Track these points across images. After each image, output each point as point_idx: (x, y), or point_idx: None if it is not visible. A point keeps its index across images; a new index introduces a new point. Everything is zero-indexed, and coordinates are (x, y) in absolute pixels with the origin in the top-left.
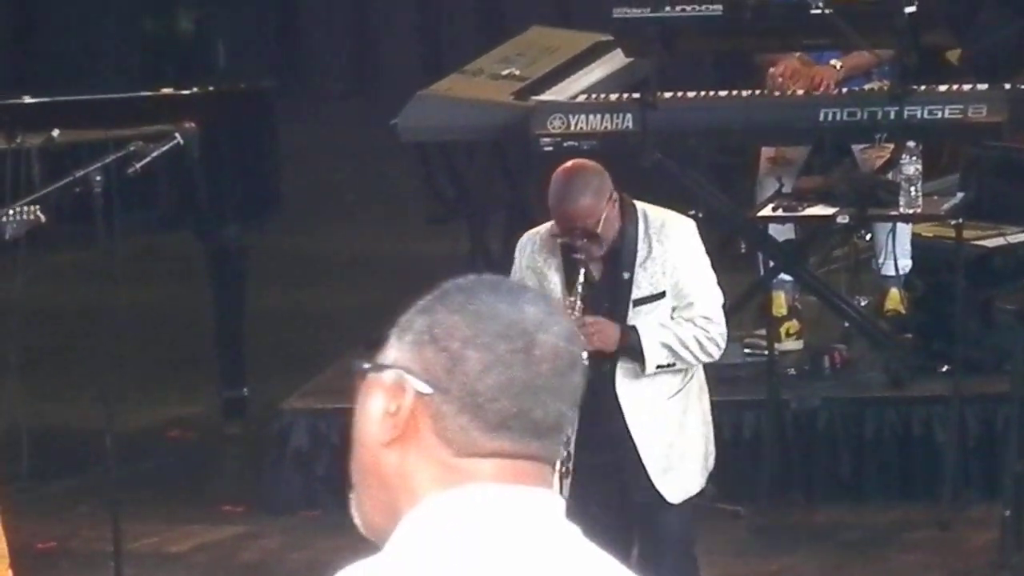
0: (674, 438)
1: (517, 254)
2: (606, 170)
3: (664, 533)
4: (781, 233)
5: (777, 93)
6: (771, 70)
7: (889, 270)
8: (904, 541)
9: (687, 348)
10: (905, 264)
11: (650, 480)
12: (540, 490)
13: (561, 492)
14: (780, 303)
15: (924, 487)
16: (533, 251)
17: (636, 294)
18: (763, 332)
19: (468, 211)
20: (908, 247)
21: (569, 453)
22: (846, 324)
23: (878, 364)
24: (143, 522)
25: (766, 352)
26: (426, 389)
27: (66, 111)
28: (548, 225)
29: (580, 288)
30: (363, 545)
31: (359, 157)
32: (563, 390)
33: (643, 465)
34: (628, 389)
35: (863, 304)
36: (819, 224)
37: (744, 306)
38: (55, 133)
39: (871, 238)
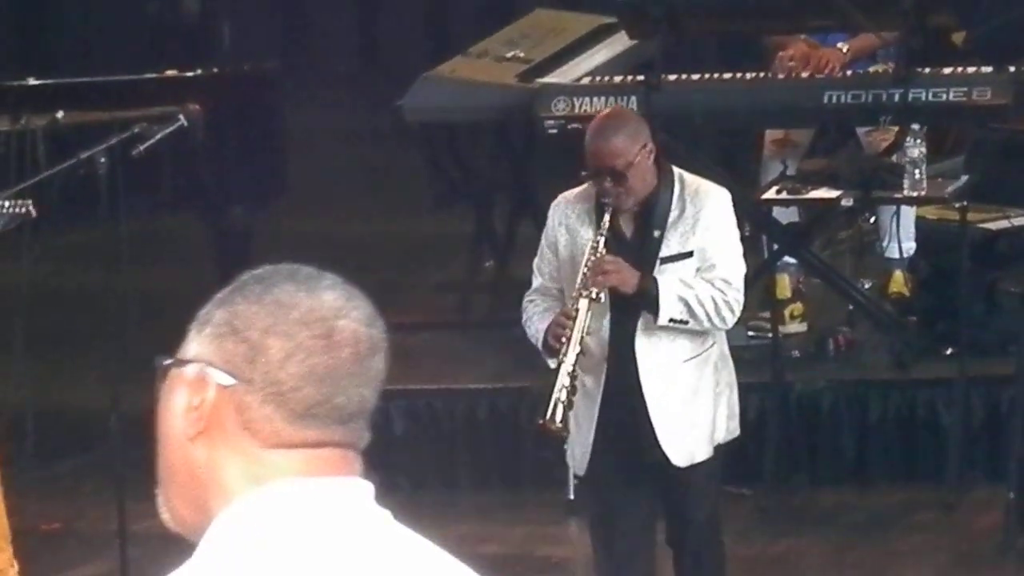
0: (684, 402)
1: (551, 212)
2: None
3: (684, 498)
4: (785, 216)
5: (781, 76)
6: (780, 53)
7: (893, 253)
8: (909, 523)
9: (703, 306)
10: (909, 247)
11: (657, 440)
12: (349, 479)
13: (561, 421)
14: (784, 286)
15: (929, 469)
16: (567, 208)
17: (664, 252)
18: (767, 315)
19: (473, 193)
20: (912, 230)
21: (574, 386)
22: (850, 307)
23: (882, 347)
24: (148, 502)
25: (770, 335)
26: (228, 381)
27: (70, 92)
28: (582, 186)
29: (604, 230)
30: None
31: (364, 139)
32: (365, 375)
33: (651, 424)
34: (645, 347)
35: (867, 287)
36: (823, 207)
37: (748, 289)
38: (59, 115)
39: (875, 221)
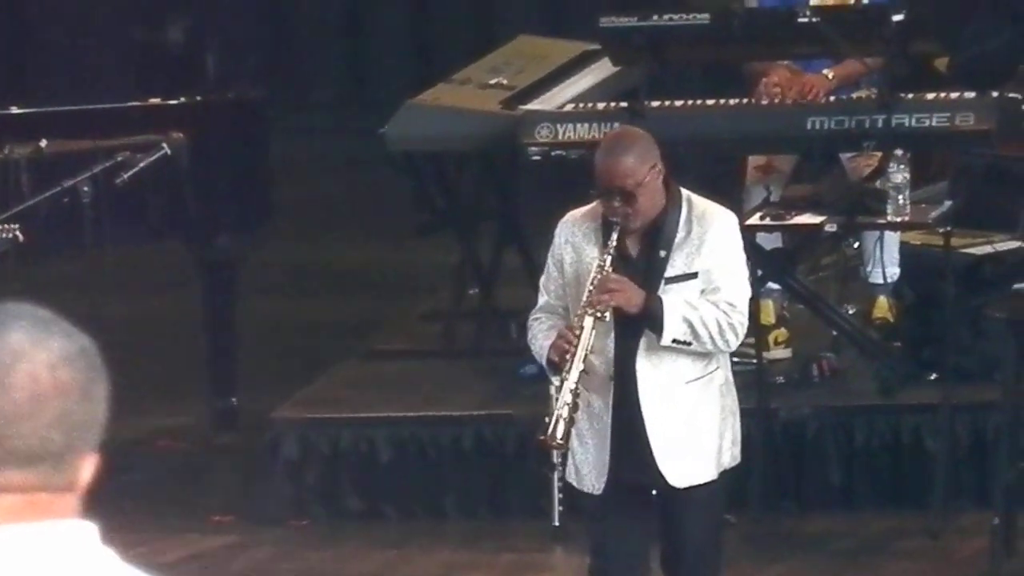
0: (685, 423)
1: (558, 230)
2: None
3: (682, 520)
4: (769, 242)
5: (765, 102)
6: (764, 79)
7: (877, 278)
8: (895, 549)
9: (706, 327)
10: (893, 272)
11: (654, 460)
12: (63, 522)
13: (562, 438)
14: (768, 311)
15: (914, 496)
16: (573, 226)
17: (669, 272)
18: (752, 340)
19: (457, 221)
20: (896, 255)
21: (576, 403)
22: (835, 333)
23: (867, 373)
24: (133, 532)
25: (755, 361)
26: None
27: (54, 121)
28: (589, 205)
29: (611, 249)
30: (352, 556)
31: (348, 166)
32: (46, 417)
33: (650, 444)
34: (647, 367)
35: (852, 312)
36: (807, 232)
37: None
38: (43, 143)
39: (859, 246)
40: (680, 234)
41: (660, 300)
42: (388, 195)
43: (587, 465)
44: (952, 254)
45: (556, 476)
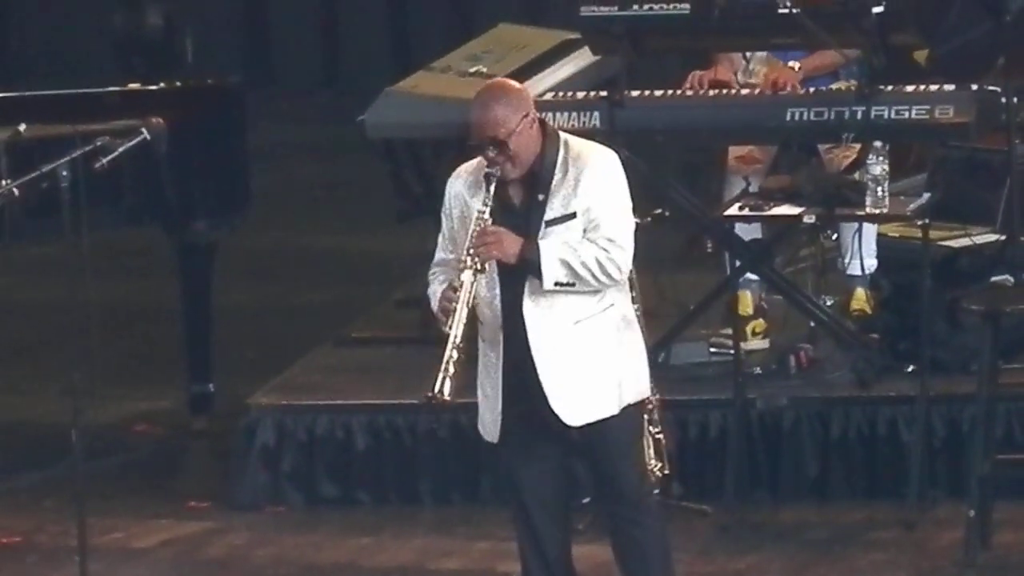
0: (575, 364)
1: (448, 186)
2: None
3: (596, 457)
4: (748, 232)
5: (690, 92)
6: (697, 72)
7: (855, 270)
8: (870, 540)
9: (587, 267)
10: (871, 264)
11: (547, 401)
12: None
13: (449, 394)
14: (746, 302)
15: (890, 487)
16: (460, 180)
17: (549, 215)
18: (729, 331)
19: (435, 208)
20: (874, 247)
21: (458, 357)
22: (812, 324)
23: (844, 364)
24: (109, 517)
25: (732, 351)
26: None
27: (33, 106)
28: (479, 159)
29: (488, 200)
30: (327, 542)
31: (326, 153)
32: None
33: (541, 387)
34: (533, 310)
35: (829, 304)
36: (786, 224)
37: (710, 305)
38: (22, 128)
39: (837, 238)
40: (557, 176)
41: (537, 246)
42: (365, 181)
43: (488, 414)
44: (930, 246)
45: None
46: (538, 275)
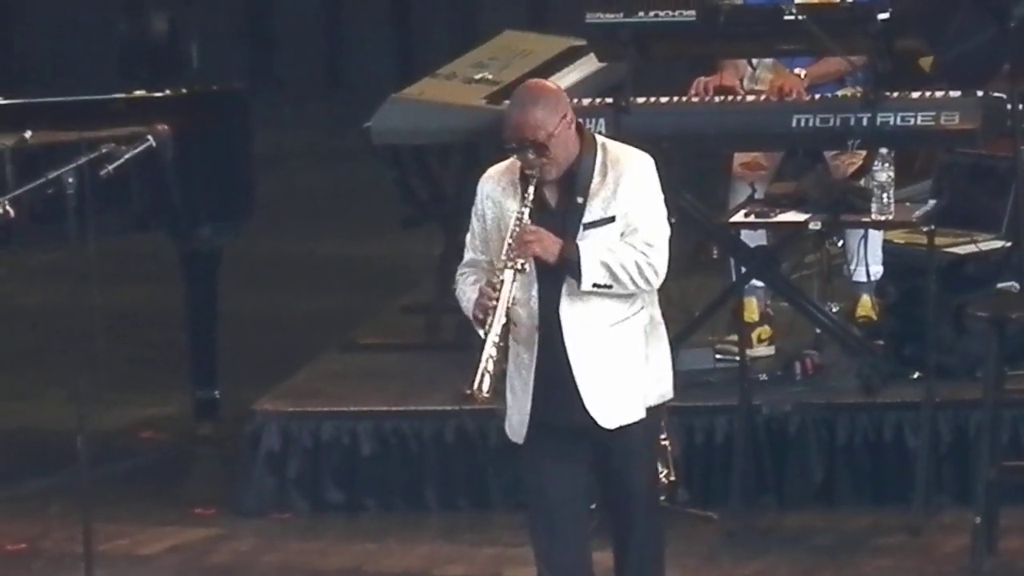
0: (610, 365)
1: (479, 187)
2: None
3: (615, 468)
4: (753, 239)
5: (696, 98)
6: (703, 79)
7: (861, 276)
8: (876, 546)
9: (625, 270)
10: (877, 270)
11: (583, 403)
12: None
13: (489, 391)
14: (752, 309)
15: (896, 493)
16: (493, 182)
17: (587, 218)
18: (735, 338)
19: (441, 214)
20: (879, 253)
21: (502, 356)
22: (818, 330)
23: (850, 370)
24: (114, 523)
25: (738, 358)
26: None
27: (39, 112)
28: (507, 160)
29: (528, 201)
30: (333, 548)
31: (332, 160)
32: None
33: (577, 388)
34: (570, 313)
35: (835, 310)
36: (791, 230)
37: (716, 312)
38: (28, 134)
39: (843, 244)
40: (596, 179)
41: (577, 246)
42: (371, 188)
43: (516, 415)
44: (935, 253)
45: None
46: (577, 275)
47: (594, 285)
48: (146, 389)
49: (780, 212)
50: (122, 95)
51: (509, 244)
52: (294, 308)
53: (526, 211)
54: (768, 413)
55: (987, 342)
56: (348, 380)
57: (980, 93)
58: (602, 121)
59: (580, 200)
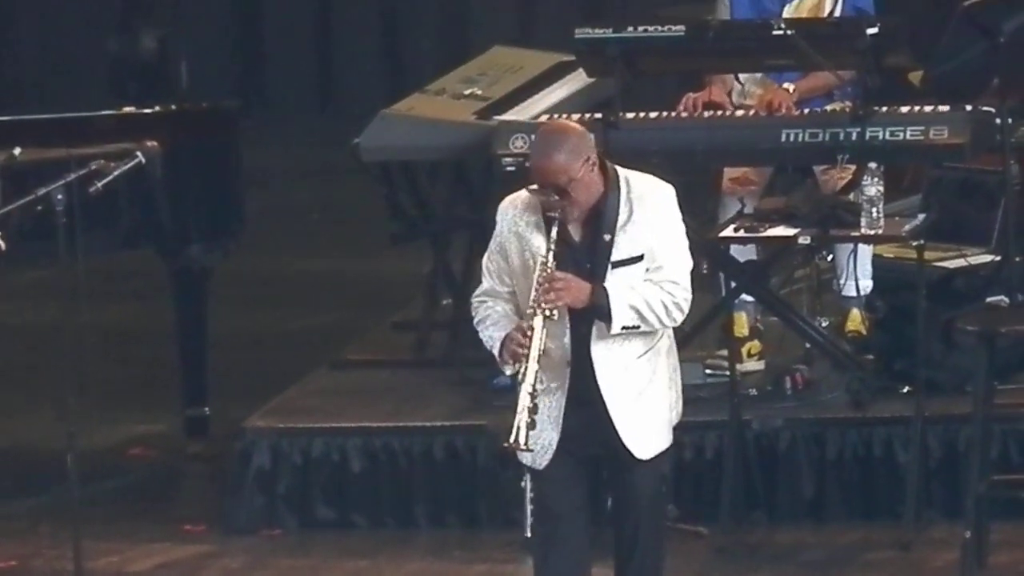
0: (641, 397)
1: (499, 218)
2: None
3: (636, 491)
4: (743, 254)
5: (685, 114)
6: (692, 95)
7: (850, 291)
8: (866, 561)
9: (653, 311)
10: (866, 285)
11: (619, 437)
12: None
13: (525, 442)
14: (742, 324)
15: (886, 508)
16: (515, 215)
17: (615, 256)
18: (725, 353)
19: (431, 230)
20: (869, 268)
21: (534, 405)
22: (808, 345)
23: (840, 385)
24: (105, 541)
25: (728, 373)
26: None
27: (28, 129)
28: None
29: (552, 244)
30: (323, 565)
31: (321, 177)
32: None
33: (612, 423)
34: (601, 350)
35: (825, 325)
36: (781, 245)
37: (706, 327)
38: (16, 151)
39: (832, 259)
40: (622, 216)
41: (606, 291)
42: (360, 205)
43: (539, 443)
44: (925, 267)
45: (528, 487)
46: (607, 321)
47: (623, 328)
48: (136, 407)
49: (769, 227)
50: (111, 112)
51: (537, 289)
52: (283, 325)
53: (551, 255)
54: (758, 428)
55: (977, 357)
56: (338, 397)
57: (969, 108)
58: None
59: (607, 237)
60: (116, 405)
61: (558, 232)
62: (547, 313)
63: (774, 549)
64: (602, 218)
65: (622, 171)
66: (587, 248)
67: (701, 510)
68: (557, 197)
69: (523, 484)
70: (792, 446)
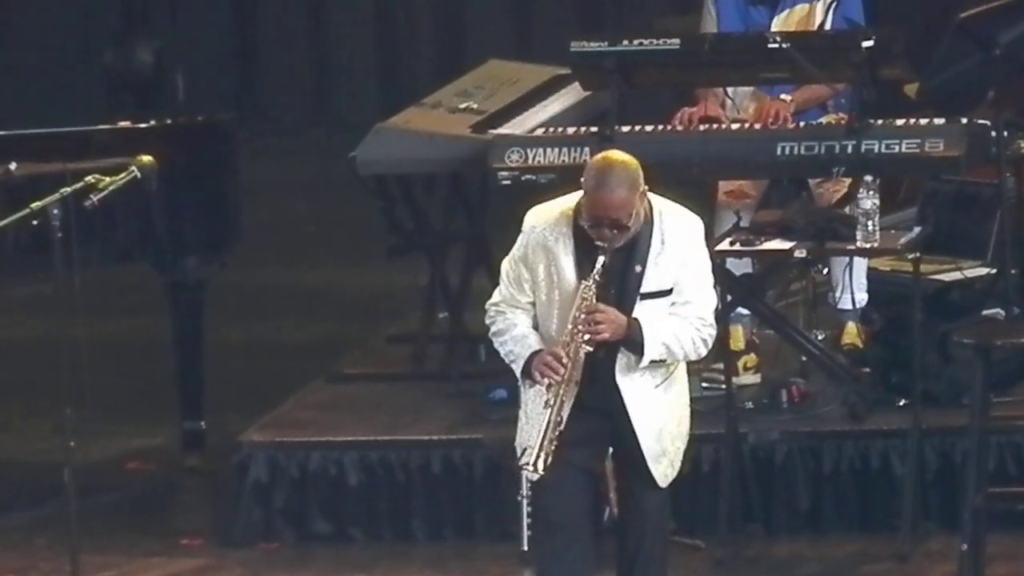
0: (665, 423)
1: (525, 230)
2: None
3: (643, 507)
4: (739, 267)
5: (680, 127)
6: (687, 109)
7: (846, 304)
8: (863, 574)
9: (682, 347)
10: (862, 298)
11: (646, 465)
12: None
13: (544, 468)
14: (738, 337)
15: (883, 520)
16: (544, 230)
17: (645, 288)
18: (721, 366)
19: (427, 243)
20: (864, 281)
21: (560, 433)
22: (804, 358)
23: (836, 398)
24: (102, 554)
25: (724, 386)
26: None
27: (23, 144)
28: (559, 203)
29: (596, 275)
30: None
31: (317, 190)
32: None
33: (641, 451)
34: (627, 378)
35: (821, 338)
36: (777, 258)
37: None
38: (12, 166)
39: (828, 272)
40: (654, 249)
41: (639, 325)
42: (357, 218)
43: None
44: (921, 280)
45: (525, 501)
46: (639, 353)
47: (651, 360)
48: (133, 420)
49: (765, 240)
50: (107, 126)
51: (576, 317)
52: (280, 339)
53: (593, 288)
54: (754, 441)
55: (973, 369)
56: (335, 410)
57: (965, 120)
58: (587, 150)
59: (639, 268)
60: (113, 418)
61: (590, 259)
62: (588, 347)
63: (771, 562)
64: (635, 248)
65: (653, 199)
66: (617, 277)
67: (698, 523)
68: (611, 230)
69: (520, 498)
70: (789, 459)
